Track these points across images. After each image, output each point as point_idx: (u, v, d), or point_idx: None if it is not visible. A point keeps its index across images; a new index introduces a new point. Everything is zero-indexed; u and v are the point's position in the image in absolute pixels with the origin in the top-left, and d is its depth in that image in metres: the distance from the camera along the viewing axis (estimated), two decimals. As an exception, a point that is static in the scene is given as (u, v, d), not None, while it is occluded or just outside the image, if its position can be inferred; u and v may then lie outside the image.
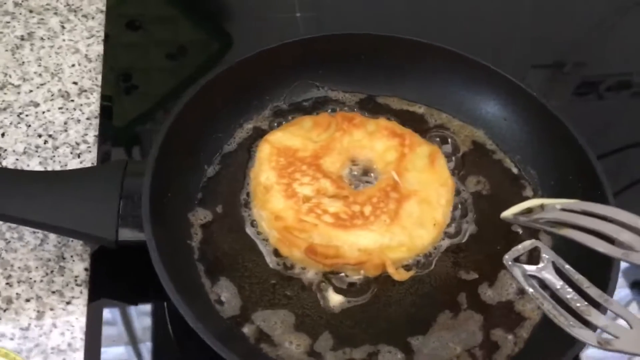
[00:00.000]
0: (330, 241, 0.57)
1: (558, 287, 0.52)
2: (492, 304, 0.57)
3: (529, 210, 0.53)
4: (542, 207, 0.52)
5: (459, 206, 0.63)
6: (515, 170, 0.67)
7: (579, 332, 0.48)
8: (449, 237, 0.61)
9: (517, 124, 0.68)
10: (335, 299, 0.56)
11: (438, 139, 0.69)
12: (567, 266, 0.54)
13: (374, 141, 0.66)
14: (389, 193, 0.61)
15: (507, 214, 0.54)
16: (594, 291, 0.51)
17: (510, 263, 0.54)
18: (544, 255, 0.54)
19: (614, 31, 0.96)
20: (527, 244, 0.55)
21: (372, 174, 0.65)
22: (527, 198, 0.65)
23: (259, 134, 0.68)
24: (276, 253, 0.59)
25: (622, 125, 0.83)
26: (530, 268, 0.54)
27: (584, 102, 0.87)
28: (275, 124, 0.69)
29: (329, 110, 0.70)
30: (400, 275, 0.57)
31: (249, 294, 0.56)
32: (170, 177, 0.58)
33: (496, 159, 0.68)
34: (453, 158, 0.67)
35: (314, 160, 0.63)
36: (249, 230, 0.60)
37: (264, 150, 0.64)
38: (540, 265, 0.54)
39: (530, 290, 0.51)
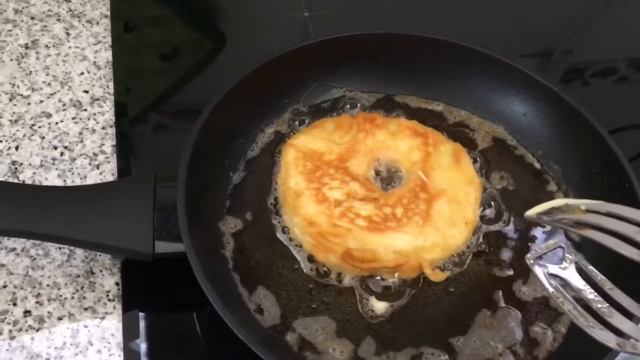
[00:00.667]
0: (365, 245, 0.57)
1: (580, 287, 0.53)
2: (528, 301, 0.58)
3: (552, 210, 0.53)
4: (566, 206, 0.53)
5: (486, 204, 0.64)
6: (537, 165, 0.67)
7: (598, 333, 0.48)
8: (481, 234, 0.61)
9: (538, 118, 0.68)
10: (378, 306, 0.56)
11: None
12: (590, 267, 0.54)
13: (397, 141, 0.66)
14: (418, 193, 0.61)
15: (531, 213, 0.54)
16: (617, 293, 0.52)
17: (532, 262, 0.54)
18: (567, 255, 0.55)
19: (599, 18, 0.97)
20: (551, 243, 0.56)
21: (397, 174, 0.65)
22: (551, 193, 0.65)
23: (280, 138, 0.67)
24: (310, 259, 0.58)
25: (607, 110, 0.84)
26: (553, 267, 0.54)
27: (571, 88, 0.87)
28: (297, 127, 0.68)
29: (348, 111, 0.70)
30: (437, 276, 0.57)
31: (287, 302, 0.56)
32: (200, 187, 0.57)
33: (518, 155, 0.68)
34: (475, 155, 0.68)
35: (340, 163, 0.63)
36: (281, 236, 0.60)
37: (290, 155, 0.63)
38: (564, 265, 0.55)
39: (551, 289, 0.52)
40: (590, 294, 0.52)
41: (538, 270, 0.53)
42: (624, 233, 0.47)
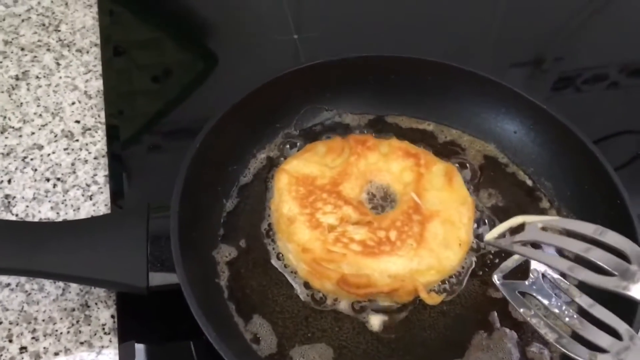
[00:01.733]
0: (360, 270, 0.57)
1: (546, 303, 0.53)
2: (524, 321, 0.57)
3: (513, 230, 0.54)
4: (523, 225, 0.53)
5: (480, 222, 0.64)
6: (529, 183, 0.68)
7: (569, 347, 0.49)
8: (475, 255, 0.61)
9: (528, 136, 0.69)
10: (374, 321, 0.56)
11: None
12: (557, 276, 0.55)
13: (389, 163, 0.66)
14: (412, 215, 0.61)
15: (490, 237, 0.55)
16: (584, 300, 0.52)
17: (499, 282, 0.55)
18: (533, 268, 0.56)
19: (589, 24, 0.98)
20: (515, 258, 0.57)
21: (390, 196, 0.65)
22: (543, 210, 0.66)
23: (273, 163, 0.67)
24: (306, 285, 0.58)
25: (599, 116, 0.85)
26: (520, 284, 0.55)
27: (562, 96, 0.88)
28: (288, 151, 0.68)
29: (340, 134, 0.70)
30: (433, 300, 0.57)
31: (283, 330, 0.56)
32: (193, 216, 0.57)
33: (510, 172, 0.69)
34: (467, 174, 0.68)
35: (333, 187, 0.63)
36: (276, 263, 0.60)
37: (282, 180, 0.63)
38: (531, 278, 0.55)
39: (521, 309, 0.53)
40: (557, 307, 0.53)
41: (506, 291, 0.54)
42: (576, 253, 0.48)
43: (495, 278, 0.55)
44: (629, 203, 0.59)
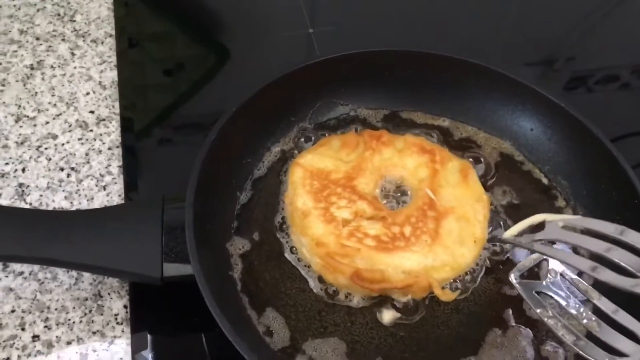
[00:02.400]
0: (374, 265, 0.57)
1: (564, 304, 0.53)
2: (538, 319, 0.57)
3: (533, 228, 0.53)
4: (543, 224, 0.52)
5: (494, 220, 0.63)
6: (545, 181, 0.67)
7: (587, 349, 0.48)
8: (489, 252, 0.61)
9: (545, 134, 0.68)
10: (386, 316, 0.56)
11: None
12: (575, 277, 0.54)
13: (404, 158, 0.65)
14: (426, 212, 0.61)
15: (509, 234, 0.54)
16: (605, 303, 0.52)
17: (516, 281, 0.54)
18: (551, 268, 0.55)
19: (601, 25, 0.97)
20: (533, 258, 0.56)
21: (405, 192, 0.64)
22: (559, 208, 0.65)
23: (287, 157, 0.67)
24: (319, 279, 0.58)
25: (611, 117, 0.84)
26: (538, 284, 0.54)
27: (574, 96, 0.87)
28: (303, 145, 0.68)
29: (355, 128, 0.70)
30: (447, 296, 0.56)
31: (296, 324, 0.55)
32: (208, 208, 0.57)
33: (525, 170, 0.68)
34: (482, 171, 0.67)
35: (347, 182, 0.63)
36: (289, 256, 0.60)
37: (297, 174, 0.63)
38: (549, 278, 0.55)
39: (538, 310, 0.52)
40: (574, 309, 0.52)
41: (523, 290, 0.53)
42: (598, 253, 0.47)
43: (512, 277, 0.55)
44: (647, 203, 0.58)
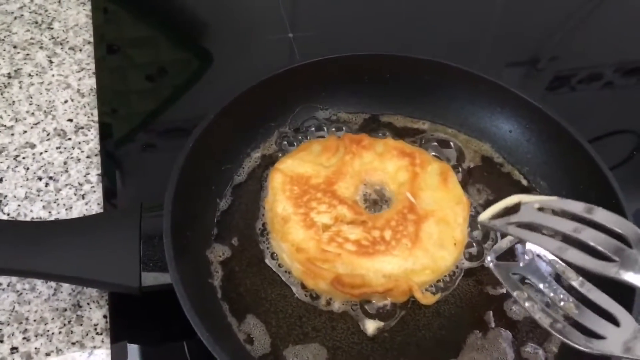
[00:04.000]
0: (354, 270, 0.57)
1: (541, 286, 0.51)
2: (519, 320, 0.57)
3: (507, 211, 0.52)
4: (519, 205, 0.51)
5: (473, 222, 0.63)
6: (524, 182, 0.67)
7: (564, 332, 0.47)
8: (470, 255, 0.61)
9: (523, 135, 0.69)
10: (370, 326, 0.56)
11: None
12: (552, 257, 0.53)
13: (384, 162, 0.66)
14: (406, 215, 0.61)
15: (484, 217, 0.52)
16: (581, 283, 0.51)
17: (492, 264, 0.53)
18: (528, 249, 0.54)
19: (584, 24, 0.98)
20: (509, 239, 0.54)
21: (385, 196, 0.65)
22: (539, 210, 0.65)
23: (267, 162, 0.67)
24: (300, 285, 0.58)
25: (594, 116, 0.85)
26: (514, 266, 0.53)
27: (557, 95, 0.88)
28: (283, 150, 0.68)
29: (335, 133, 0.70)
30: (427, 299, 0.57)
31: (277, 330, 0.55)
32: (187, 216, 0.57)
33: (505, 172, 0.68)
34: (460, 171, 0.68)
35: (328, 186, 0.63)
36: (270, 262, 0.59)
37: (277, 180, 0.63)
38: (525, 259, 0.54)
39: (514, 293, 0.51)
40: (551, 290, 0.51)
41: (499, 273, 0.52)
42: (572, 236, 0.45)
43: (488, 259, 0.53)
44: (624, 203, 0.59)
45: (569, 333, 0.47)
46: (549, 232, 0.49)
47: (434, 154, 0.69)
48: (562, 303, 0.50)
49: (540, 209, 0.50)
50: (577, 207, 0.48)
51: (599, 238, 0.44)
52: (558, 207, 0.50)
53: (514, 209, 0.51)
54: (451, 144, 0.69)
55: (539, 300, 0.50)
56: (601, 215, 0.46)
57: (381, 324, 0.56)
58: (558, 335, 0.47)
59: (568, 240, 0.46)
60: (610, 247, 0.44)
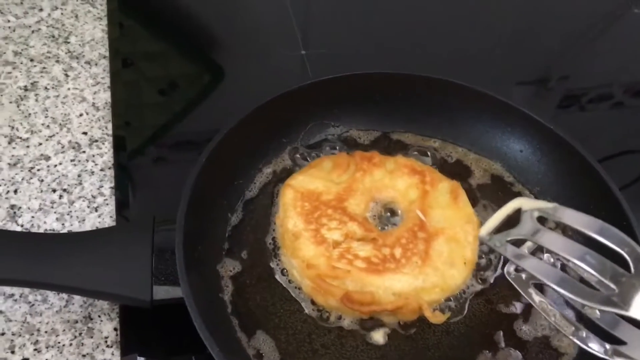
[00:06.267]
0: (364, 287, 0.57)
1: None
2: (528, 340, 0.57)
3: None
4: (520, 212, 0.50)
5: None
6: (535, 202, 0.67)
7: (585, 340, 0.46)
8: (480, 275, 0.61)
9: (534, 155, 0.69)
10: (377, 336, 0.56)
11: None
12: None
13: (395, 180, 0.66)
14: (417, 233, 0.61)
15: (484, 232, 0.51)
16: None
17: (511, 277, 0.52)
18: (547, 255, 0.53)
19: (595, 44, 0.98)
20: (528, 245, 0.53)
21: (396, 213, 0.65)
22: (549, 229, 0.65)
23: (278, 178, 0.67)
24: (310, 301, 0.58)
25: (604, 136, 0.85)
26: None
27: (567, 114, 0.88)
28: (294, 166, 0.68)
29: (346, 150, 0.70)
30: (437, 318, 0.57)
31: (286, 346, 0.55)
32: (198, 230, 0.57)
33: (515, 192, 0.69)
34: (471, 190, 0.68)
35: (338, 203, 0.63)
36: (280, 278, 0.60)
37: (288, 195, 0.63)
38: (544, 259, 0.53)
39: (537, 300, 0.49)
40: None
41: (517, 285, 0.51)
42: (563, 256, 0.45)
43: (506, 271, 0.52)
44: (635, 224, 0.59)
45: (591, 341, 0.46)
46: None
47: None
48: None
49: (541, 218, 0.49)
50: (576, 219, 0.47)
51: (596, 263, 0.43)
52: (558, 217, 0.49)
53: (515, 216, 0.50)
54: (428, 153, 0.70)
55: (558, 309, 0.49)
56: (599, 230, 0.45)
57: (388, 330, 0.56)
58: (580, 344, 0.46)
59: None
60: (607, 272, 0.42)
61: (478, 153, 0.71)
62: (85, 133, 0.73)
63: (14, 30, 0.84)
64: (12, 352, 0.55)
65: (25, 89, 0.77)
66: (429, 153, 0.71)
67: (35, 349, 0.56)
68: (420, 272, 0.58)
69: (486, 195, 0.68)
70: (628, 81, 0.91)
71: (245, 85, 0.82)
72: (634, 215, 0.59)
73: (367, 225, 0.62)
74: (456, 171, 0.70)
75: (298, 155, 0.69)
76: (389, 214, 0.65)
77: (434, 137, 0.72)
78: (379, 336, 0.57)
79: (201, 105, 0.82)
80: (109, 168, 0.70)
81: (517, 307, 0.59)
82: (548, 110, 0.88)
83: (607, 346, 0.45)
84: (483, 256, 0.62)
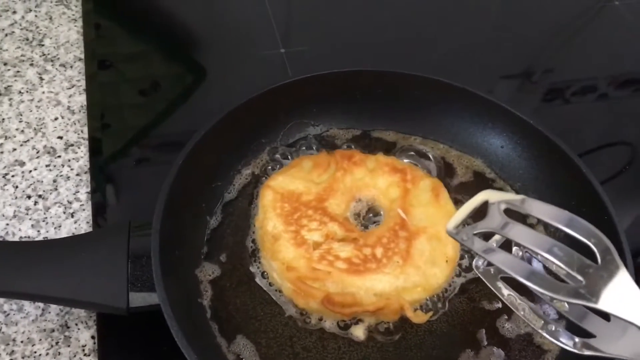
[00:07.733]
0: (345, 288, 0.56)
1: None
2: (511, 338, 0.57)
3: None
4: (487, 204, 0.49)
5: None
6: (517, 198, 0.67)
7: (555, 334, 0.46)
8: (463, 271, 0.61)
9: (515, 151, 0.68)
10: (357, 332, 0.56)
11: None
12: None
13: (375, 178, 0.65)
14: (398, 232, 0.61)
15: (451, 226, 0.49)
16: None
17: (479, 270, 0.50)
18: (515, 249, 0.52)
19: (579, 37, 0.98)
20: (496, 238, 0.52)
21: (378, 212, 0.64)
22: (531, 225, 0.65)
23: (258, 179, 0.67)
24: (291, 304, 0.57)
25: (589, 128, 0.85)
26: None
27: (551, 107, 0.88)
28: (274, 167, 0.68)
29: (326, 149, 0.69)
30: (419, 318, 0.56)
31: (266, 351, 0.55)
32: (176, 234, 0.56)
33: (497, 187, 0.68)
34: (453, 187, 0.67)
35: (318, 203, 0.62)
36: (260, 281, 0.59)
37: (267, 197, 0.62)
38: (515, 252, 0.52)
39: (505, 295, 0.48)
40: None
41: (485, 279, 0.50)
42: (529, 248, 0.43)
43: (475, 265, 0.50)
44: (616, 219, 0.58)
45: (560, 335, 0.46)
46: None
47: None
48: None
49: (508, 211, 0.48)
50: (544, 211, 0.45)
51: (563, 255, 0.41)
52: (525, 209, 0.47)
53: (482, 208, 0.49)
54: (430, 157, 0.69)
55: (528, 303, 0.48)
56: (567, 221, 0.44)
57: (369, 324, 0.56)
58: (549, 338, 0.46)
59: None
60: (574, 264, 0.41)
61: (460, 150, 0.70)
62: (60, 137, 0.72)
63: (-14, 34, 0.82)
64: (-13, 364, 0.54)
65: (-1, 93, 0.76)
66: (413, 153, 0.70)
67: (11, 359, 0.55)
68: (401, 271, 0.57)
69: (468, 192, 0.67)
70: (612, 73, 0.91)
71: (227, 85, 0.81)
72: (615, 210, 0.59)
73: (348, 226, 0.61)
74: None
75: (278, 155, 0.68)
76: (371, 214, 0.64)
77: (415, 135, 0.72)
78: (359, 332, 0.56)
79: (183, 106, 0.81)
80: (85, 173, 0.69)
81: (500, 304, 0.59)
82: (533, 103, 0.87)
83: (577, 339, 0.44)
84: (465, 256, 0.62)
